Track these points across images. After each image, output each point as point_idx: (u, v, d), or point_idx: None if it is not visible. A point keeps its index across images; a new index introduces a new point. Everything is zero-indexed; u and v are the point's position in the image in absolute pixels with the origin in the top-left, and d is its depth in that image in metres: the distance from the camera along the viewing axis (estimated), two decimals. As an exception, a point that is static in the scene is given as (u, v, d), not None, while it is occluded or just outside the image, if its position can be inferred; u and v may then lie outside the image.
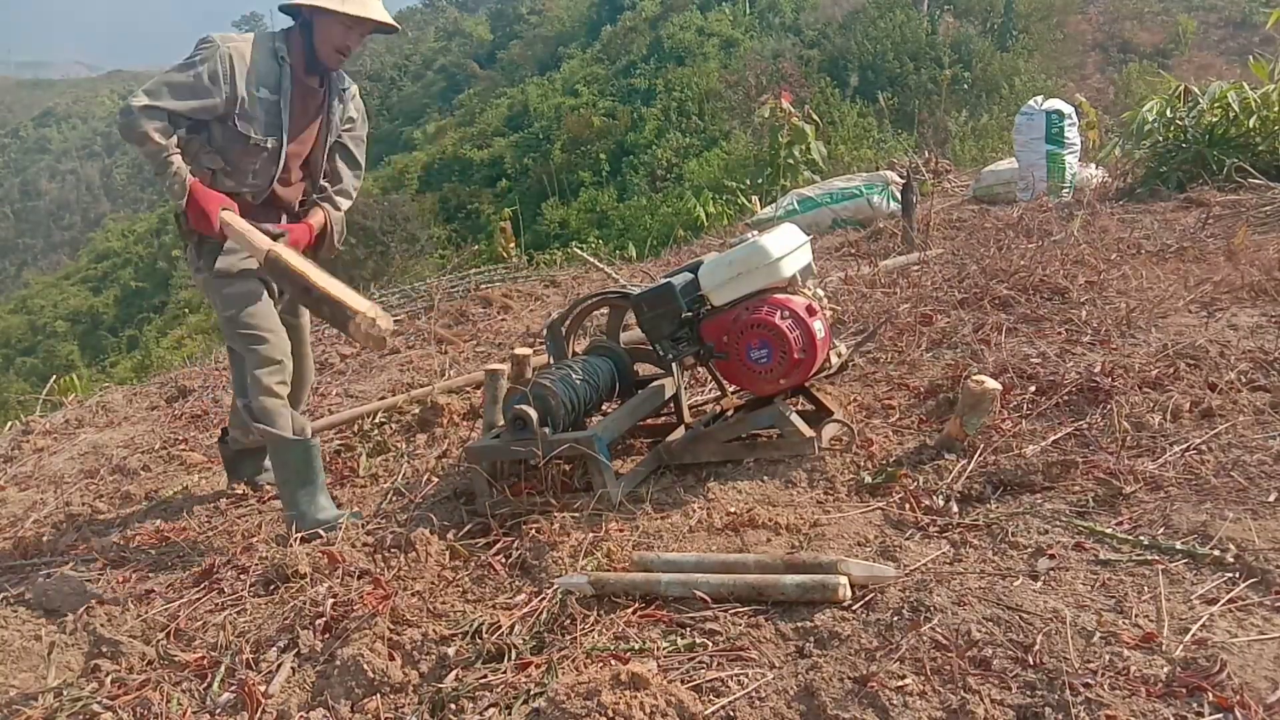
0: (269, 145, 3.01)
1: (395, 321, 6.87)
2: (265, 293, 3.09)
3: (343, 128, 3.25)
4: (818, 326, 2.81)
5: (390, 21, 3.02)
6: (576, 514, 2.66)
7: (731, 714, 1.77)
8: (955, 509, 2.39)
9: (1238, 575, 1.93)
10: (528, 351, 3.47)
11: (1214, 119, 6.31)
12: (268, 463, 3.50)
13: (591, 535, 2.53)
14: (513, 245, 11.07)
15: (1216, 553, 1.99)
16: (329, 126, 3.18)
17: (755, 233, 6.01)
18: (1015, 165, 7.42)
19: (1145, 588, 1.93)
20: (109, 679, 2.28)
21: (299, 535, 2.90)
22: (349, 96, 3.24)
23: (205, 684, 2.22)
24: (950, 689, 1.70)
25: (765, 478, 2.75)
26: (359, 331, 2.80)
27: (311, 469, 3.05)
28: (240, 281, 3.04)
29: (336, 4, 2.90)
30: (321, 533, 2.92)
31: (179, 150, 2.90)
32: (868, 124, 19.81)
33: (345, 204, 3.32)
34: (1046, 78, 21.93)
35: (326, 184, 3.28)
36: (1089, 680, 1.66)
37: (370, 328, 2.80)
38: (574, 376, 2.97)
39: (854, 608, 1.99)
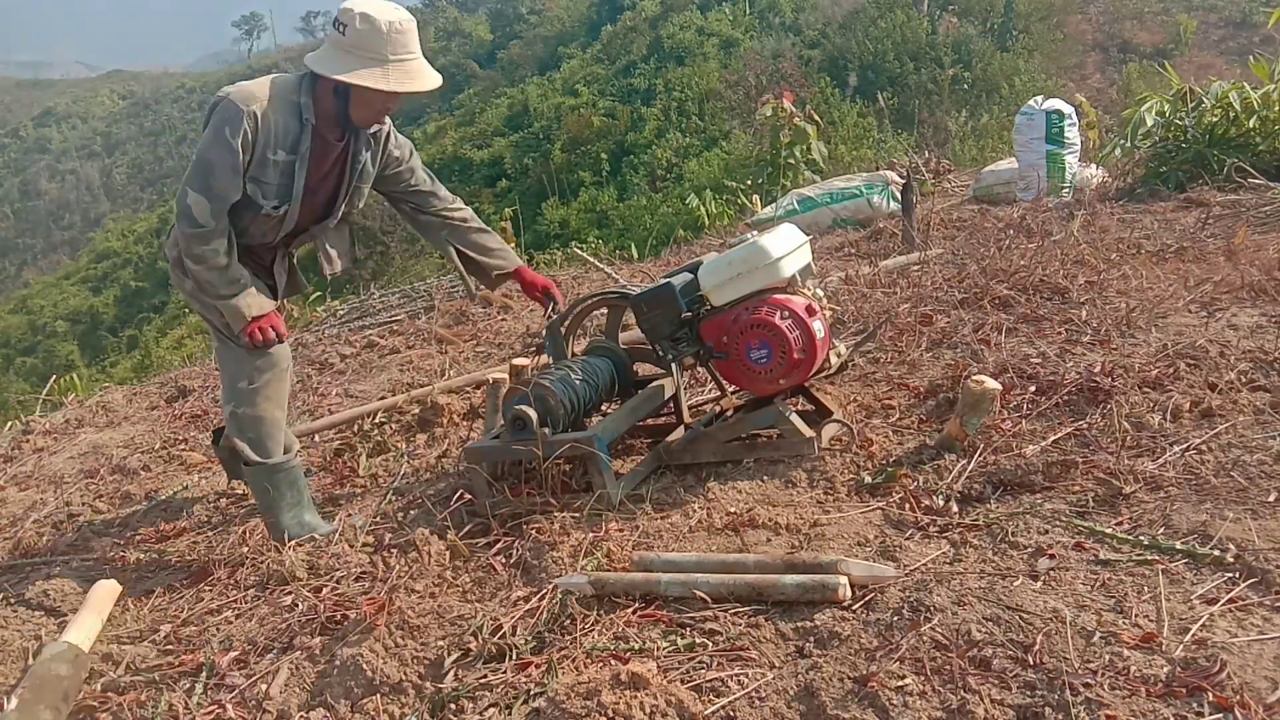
0: (280, 213, 2.83)
1: (395, 320, 6.88)
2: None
3: (392, 170, 3.05)
4: (817, 326, 2.81)
5: (430, 88, 2.80)
6: (576, 514, 2.66)
7: (731, 714, 1.77)
8: (955, 509, 2.39)
9: (1238, 575, 1.93)
10: (526, 363, 3.48)
11: (1214, 119, 6.31)
12: None
13: (591, 535, 2.53)
14: (513, 245, 11.05)
15: (1216, 553, 1.99)
16: (351, 174, 2.94)
17: (755, 233, 6.00)
18: (1015, 165, 7.41)
19: (1145, 588, 1.93)
20: (108, 679, 2.28)
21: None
22: (383, 138, 2.98)
23: (204, 684, 2.22)
24: (950, 689, 1.70)
25: (765, 478, 2.75)
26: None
27: (297, 489, 2.93)
28: None
29: (381, 83, 2.67)
30: (318, 536, 2.92)
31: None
32: (868, 124, 19.77)
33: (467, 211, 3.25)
34: (1046, 78, 21.92)
35: (448, 212, 3.19)
36: (1089, 680, 1.66)
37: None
38: (574, 377, 2.97)
39: (854, 608, 1.99)
